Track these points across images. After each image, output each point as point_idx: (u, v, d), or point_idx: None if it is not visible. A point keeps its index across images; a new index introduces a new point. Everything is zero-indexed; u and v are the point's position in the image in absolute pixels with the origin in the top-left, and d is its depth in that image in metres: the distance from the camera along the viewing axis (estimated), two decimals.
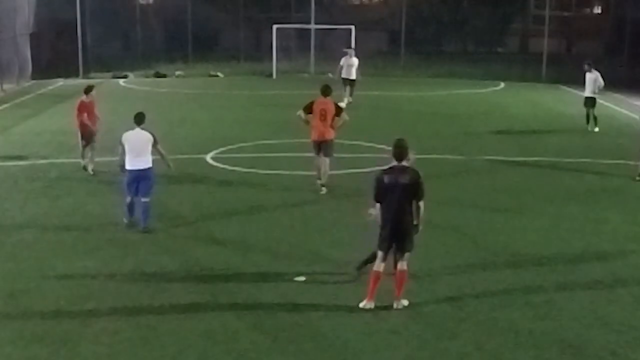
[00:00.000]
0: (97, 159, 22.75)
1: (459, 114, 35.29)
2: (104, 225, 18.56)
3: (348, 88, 35.00)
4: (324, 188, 21.41)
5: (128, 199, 17.49)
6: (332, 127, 21.35)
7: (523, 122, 33.27)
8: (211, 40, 53.94)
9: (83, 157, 22.56)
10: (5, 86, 39.67)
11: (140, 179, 17.19)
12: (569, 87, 44.06)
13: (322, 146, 21.31)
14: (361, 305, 13.90)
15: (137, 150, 17.11)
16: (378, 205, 13.85)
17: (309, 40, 48.72)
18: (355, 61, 35.91)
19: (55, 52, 46.08)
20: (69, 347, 12.43)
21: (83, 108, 22.07)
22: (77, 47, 46.11)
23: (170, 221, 18.27)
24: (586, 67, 30.42)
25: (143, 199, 17.31)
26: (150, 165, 17.36)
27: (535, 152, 26.87)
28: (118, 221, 18.49)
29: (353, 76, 35.56)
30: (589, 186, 22.46)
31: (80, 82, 43.50)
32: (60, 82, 43.46)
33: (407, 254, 13.90)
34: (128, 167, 17.25)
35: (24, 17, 43.55)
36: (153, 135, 17.34)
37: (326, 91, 21.54)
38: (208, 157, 24.72)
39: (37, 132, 29.54)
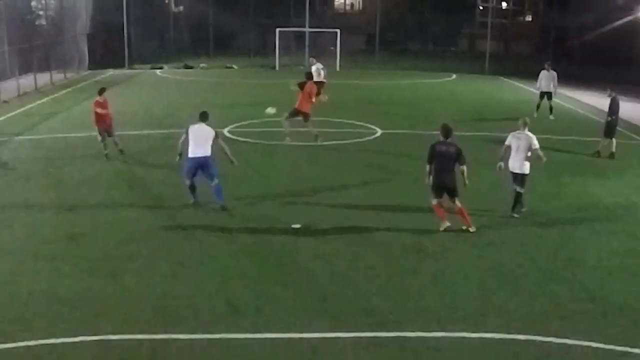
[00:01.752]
0: (144, 132, 22.45)
1: (420, 99, 35.18)
2: (145, 183, 18.55)
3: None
4: (319, 138, 22.95)
5: (187, 182, 16.21)
6: (312, 102, 23.03)
7: (471, 105, 33.17)
8: (228, 40, 53.64)
9: (105, 148, 21.01)
10: (68, 75, 39.48)
11: (200, 165, 16.00)
12: (507, 78, 44.02)
13: (301, 115, 22.88)
14: (442, 228, 14.99)
15: (200, 141, 15.94)
16: (428, 166, 15.13)
17: (304, 40, 48.49)
18: (319, 67, 31.70)
19: (106, 49, 45.76)
20: (116, 279, 12.49)
21: (97, 106, 20.93)
22: (124, 45, 45.83)
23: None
24: (546, 66, 29.37)
25: (213, 183, 16.17)
26: (209, 154, 16.05)
27: (480, 128, 26.75)
28: (155, 181, 18.46)
29: (322, 80, 32.88)
30: None
31: (126, 72, 43.44)
32: (110, 72, 43.20)
33: (456, 198, 15.12)
34: (189, 155, 16.01)
35: (82, 21, 43.45)
36: (215, 132, 16.29)
37: (310, 76, 24.27)
38: (225, 131, 24.52)
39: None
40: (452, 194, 15.10)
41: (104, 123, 20.88)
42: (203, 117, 16.36)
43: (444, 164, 14.96)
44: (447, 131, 15.20)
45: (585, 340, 10.59)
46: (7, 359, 9.81)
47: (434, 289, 12.37)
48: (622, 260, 13.91)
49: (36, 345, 10.14)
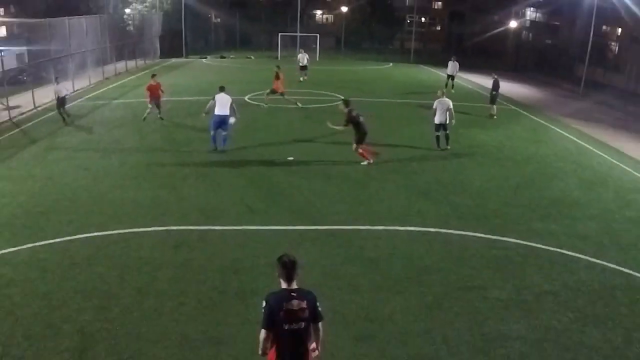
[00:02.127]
0: (194, 98, 21.80)
1: (370, 78, 34.47)
2: (196, 132, 18.02)
3: (303, 71, 32.27)
4: (298, 103, 22.19)
5: (212, 133, 15.60)
6: (282, 84, 22.02)
7: (401, 83, 32.56)
8: (248, 40, 52.48)
9: (146, 115, 19.23)
10: (147, 61, 38.56)
11: (222, 121, 15.36)
12: (425, 66, 43.30)
13: (279, 93, 21.93)
14: (364, 163, 14.50)
15: (222, 105, 15.36)
16: (351, 125, 14.41)
17: (296, 41, 47.42)
18: (304, 56, 31.07)
19: (171, 45, 44.44)
20: (177, 190, 12.31)
21: (151, 87, 19.16)
22: (182, 43, 44.63)
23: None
24: (452, 58, 28.66)
25: (223, 133, 15.56)
26: (228, 113, 15.40)
27: (408, 97, 26.32)
28: (202, 131, 17.98)
29: (305, 64, 32.21)
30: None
31: (184, 60, 42.38)
32: (173, 60, 41.97)
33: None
34: (216, 112, 15.34)
35: (156, 27, 42.57)
36: (231, 98, 15.60)
37: (280, 69, 22.41)
38: (246, 98, 24.02)
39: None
40: (363, 141, 14.64)
41: (155, 98, 19.30)
42: (222, 89, 15.79)
43: (361, 122, 14.45)
44: (348, 101, 14.78)
45: (473, 231, 10.56)
46: (106, 241, 9.66)
47: (377, 198, 12.24)
48: (496, 182, 13.84)
49: (125, 232, 10.01)
